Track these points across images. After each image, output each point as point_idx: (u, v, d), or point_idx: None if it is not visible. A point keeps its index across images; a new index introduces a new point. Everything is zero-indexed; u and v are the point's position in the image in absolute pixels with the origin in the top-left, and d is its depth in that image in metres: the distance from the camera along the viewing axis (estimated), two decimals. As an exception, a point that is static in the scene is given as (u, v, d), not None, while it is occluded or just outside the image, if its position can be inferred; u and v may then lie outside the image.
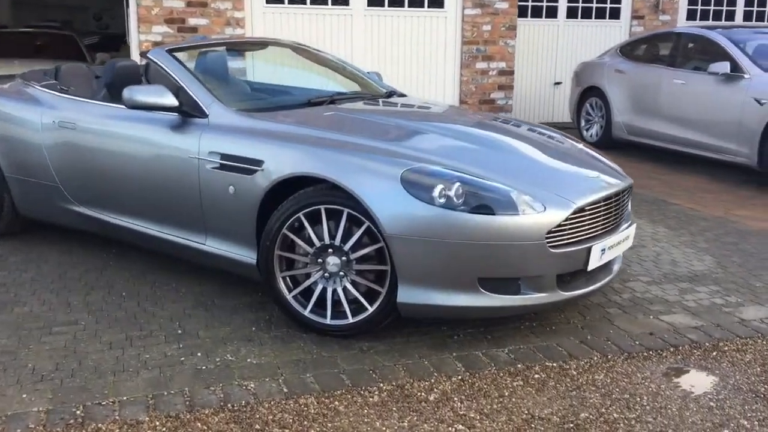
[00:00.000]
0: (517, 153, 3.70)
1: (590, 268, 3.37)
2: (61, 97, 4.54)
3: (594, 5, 11.86)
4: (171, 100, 3.84)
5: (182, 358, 3.16)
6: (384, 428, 2.61)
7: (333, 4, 9.00)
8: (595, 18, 11.93)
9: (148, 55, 4.22)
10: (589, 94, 9.18)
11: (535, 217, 3.15)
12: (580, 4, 11.68)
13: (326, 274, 3.36)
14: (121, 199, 4.17)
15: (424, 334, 3.42)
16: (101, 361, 3.12)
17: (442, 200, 3.10)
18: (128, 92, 3.85)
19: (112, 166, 4.15)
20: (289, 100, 4.45)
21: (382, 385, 2.93)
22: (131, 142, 4.07)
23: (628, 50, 8.96)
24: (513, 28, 9.68)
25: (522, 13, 10.42)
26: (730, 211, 5.83)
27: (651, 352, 3.25)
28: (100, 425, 2.60)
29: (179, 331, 3.45)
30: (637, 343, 3.35)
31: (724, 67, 7.22)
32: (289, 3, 8.86)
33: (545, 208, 3.18)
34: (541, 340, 3.37)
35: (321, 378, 3.00)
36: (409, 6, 9.30)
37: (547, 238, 3.17)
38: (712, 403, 2.81)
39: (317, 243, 3.33)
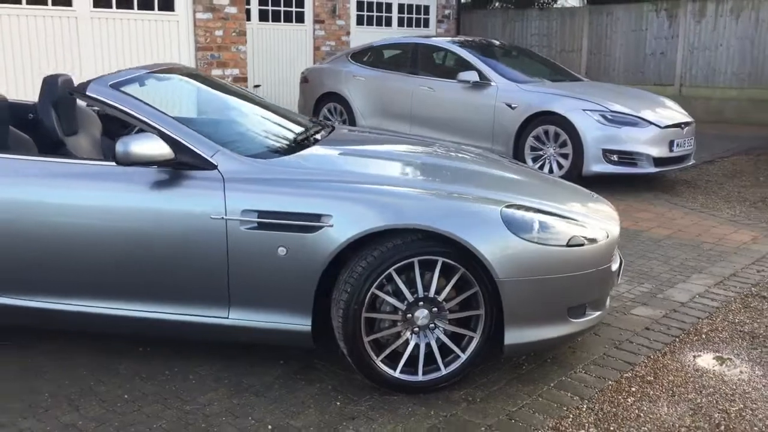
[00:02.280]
0: (544, 184, 3.88)
1: (619, 281, 3.74)
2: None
3: (282, 9, 12.14)
4: (168, 152, 3.17)
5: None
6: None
7: (53, 4, 7.78)
8: (284, 21, 12.21)
9: (89, 93, 3.36)
10: (327, 99, 9.45)
11: (604, 244, 3.40)
12: (270, 8, 11.86)
13: (415, 329, 3.18)
14: (83, 282, 3.28)
15: (498, 369, 3.43)
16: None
17: (542, 236, 3.17)
18: (122, 146, 3.07)
19: (59, 239, 3.23)
20: (278, 142, 3.89)
21: (545, 424, 2.93)
22: (90, 207, 3.23)
23: (361, 58, 9.43)
24: (243, 34, 9.46)
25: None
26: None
27: (668, 345, 3.74)
28: None
29: (269, 427, 2.94)
30: (651, 339, 3.82)
31: (473, 75, 8.13)
32: (1, 2, 7.43)
33: (608, 235, 3.45)
34: (577, 363, 3.63)
35: (484, 439, 2.88)
36: (139, 8, 8.48)
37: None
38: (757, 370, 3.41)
39: (410, 298, 3.13)
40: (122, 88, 3.45)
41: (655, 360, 3.60)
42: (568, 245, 3.22)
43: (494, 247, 3.07)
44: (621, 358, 3.61)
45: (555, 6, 17.06)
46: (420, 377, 3.19)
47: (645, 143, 7.31)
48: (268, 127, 4.08)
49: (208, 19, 8.99)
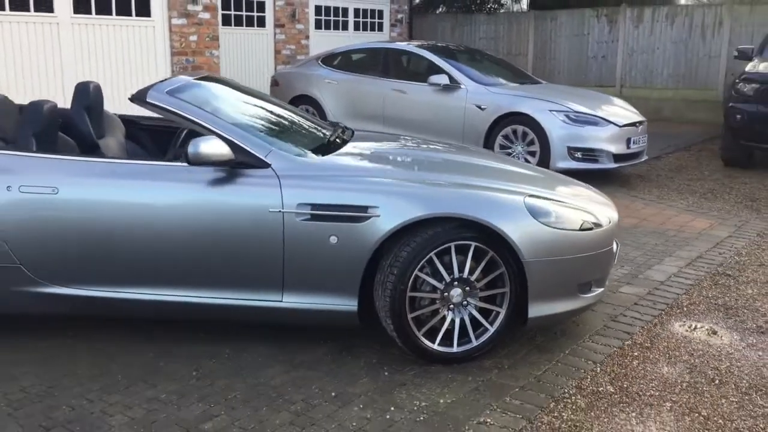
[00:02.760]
0: (549, 177, 4.35)
1: (615, 261, 4.25)
2: (11, 155, 3.61)
3: (244, 13, 12.42)
4: (228, 152, 3.53)
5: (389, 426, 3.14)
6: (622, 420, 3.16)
7: (36, 10, 7.92)
8: (246, 26, 12.49)
9: (149, 101, 3.68)
10: (298, 101, 9.79)
11: (608, 228, 3.90)
12: (233, 12, 12.12)
13: (451, 306, 3.61)
14: (146, 270, 3.59)
15: (516, 342, 3.88)
16: None
17: (558, 222, 3.64)
18: (193, 147, 3.40)
19: (126, 232, 3.55)
20: (315, 142, 4.23)
21: (569, 384, 3.40)
22: (154, 203, 3.55)
23: (331, 62, 9.81)
24: (216, 39, 9.73)
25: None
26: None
27: (656, 318, 4.27)
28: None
29: (337, 398, 3.33)
30: (641, 312, 4.34)
31: (444, 79, 8.62)
32: (-11, 9, 7.55)
33: (609, 220, 3.95)
34: (583, 334, 4.12)
35: (521, 396, 3.33)
36: (117, 14, 8.67)
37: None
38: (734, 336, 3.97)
39: (447, 278, 3.55)
40: (177, 95, 3.77)
41: (649, 330, 4.12)
42: (580, 229, 3.70)
43: (521, 232, 3.52)
44: (619, 329, 4.12)
45: (501, 11, 17.74)
46: (455, 349, 3.62)
47: (605, 141, 7.91)
48: (302, 128, 4.45)
49: (183, 24, 9.23)
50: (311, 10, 13.76)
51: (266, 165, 3.60)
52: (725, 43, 14.25)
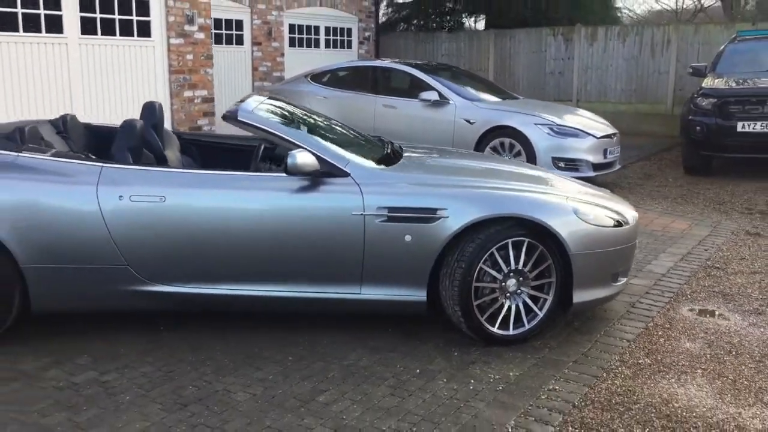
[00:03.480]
0: (571, 182, 4.94)
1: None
2: (121, 168, 4.02)
3: (224, 32, 12.83)
4: (316, 163, 4.02)
5: (470, 402, 3.67)
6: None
7: (47, 31, 8.22)
8: (225, 44, 12.89)
9: (240, 119, 4.15)
10: (289, 117, 10.23)
11: (634, 225, 4.52)
12: (213, 31, 12.50)
13: (507, 294, 4.17)
14: (240, 268, 4.04)
15: (556, 327, 4.46)
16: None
17: (597, 220, 4.25)
18: (292, 159, 3.89)
19: (227, 235, 4.00)
20: (379, 153, 4.73)
21: (612, 358, 3.99)
22: (251, 209, 4.02)
23: (321, 79, 10.32)
24: (210, 57, 10.11)
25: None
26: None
27: (668, 304, 4.91)
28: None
29: (421, 374, 3.84)
30: (653, 300, 4.98)
31: (434, 95, 9.23)
32: (1, 30, 7.82)
33: (634, 219, 4.58)
34: (611, 319, 4.72)
35: (576, 369, 3.90)
36: (120, 35, 9.01)
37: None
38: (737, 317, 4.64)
39: (505, 270, 4.11)
40: (260, 113, 4.24)
41: (664, 314, 4.75)
42: (613, 226, 4.31)
43: (567, 229, 4.11)
44: (640, 314, 4.74)
45: (462, 30, 18.51)
46: (511, 332, 4.17)
47: (585, 151, 8.63)
48: (361, 141, 4.95)
49: (180, 44, 9.60)
50: (285, 29, 14.23)
51: (346, 174, 4.10)
52: (673, 60, 15.28)
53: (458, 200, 4.06)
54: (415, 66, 9.91)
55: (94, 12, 8.68)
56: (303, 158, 3.93)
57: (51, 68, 8.25)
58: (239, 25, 13.20)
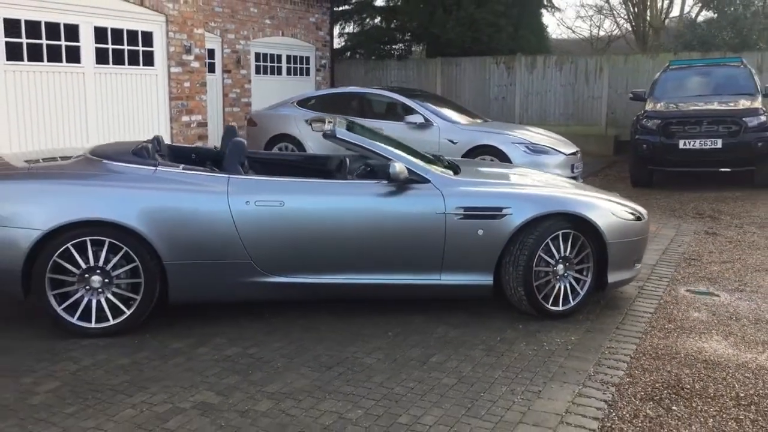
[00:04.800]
0: (599, 190, 5.95)
1: (640, 247, 5.93)
2: (245, 178, 4.77)
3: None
4: (407, 172, 4.89)
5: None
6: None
7: (67, 62, 8.77)
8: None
9: (337, 137, 4.97)
10: (279, 139, 11.02)
11: (646, 219, 5.56)
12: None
13: (557, 276, 5.11)
14: (344, 260, 4.84)
15: (586, 306, 5.43)
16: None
17: (625, 215, 5.27)
18: (393, 169, 4.75)
19: (334, 232, 4.80)
20: (443, 164, 5.63)
21: (642, 325, 4.98)
22: (353, 209, 4.84)
23: (306, 104, 11.15)
24: (204, 85, 10.78)
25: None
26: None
27: (668, 286, 5.98)
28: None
29: (502, 341, 4.73)
30: (655, 284, 6.03)
31: (419, 118, 10.20)
32: (28, 60, 8.33)
33: (645, 214, 5.62)
34: (630, 298, 5.74)
35: (620, 332, 4.87)
36: (129, 64, 9.60)
37: (647, 231, 5.65)
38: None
39: (557, 257, 5.07)
40: (353, 132, 5.08)
41: (668, 293, 5.81)
42: (635, 220, 5.34)
43: (604, 222, 5.09)
44: (649, 294, 5.78)
45: (411, 57, 19.65)
46: (560, 308, 5.11)
47: (557, 167, 9.74)
48: (425, 155, 5.83)
49: (179, 72, 10.25)
50: (252, 57, 14.95)
51: (427, 181, 4.97)
52: (605, 86, 16.82)
53: (519, 200, 5.00)
54: (398, 91, 10.87)
55: (107, 43, 9.26)
56: (400, 168, 4.79)
57: (70, 96, 8.79)
58: (211, 53, 13.83)
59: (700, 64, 13.13)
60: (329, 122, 5.26)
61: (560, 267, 5.07)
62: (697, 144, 10.84)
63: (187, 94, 10.36)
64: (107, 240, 4.49)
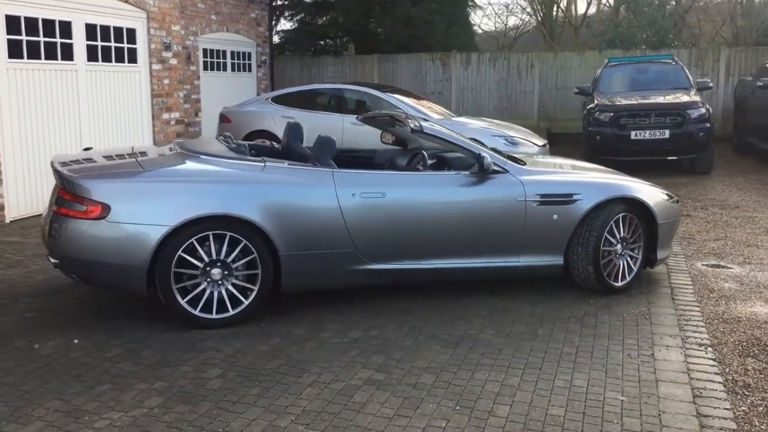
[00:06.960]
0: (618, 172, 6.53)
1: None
2: (349, 172, 5.02)
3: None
4: (492, 164, 5.30)
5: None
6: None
7: (62, 59, 8.61)
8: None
9: (425, 132, 5.31)
10: (255, 135, 11.12)
11: (679, 203, 6.21)
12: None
13: (617, 256, 5.66)
14: (437, 246, 5.19)
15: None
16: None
17: (664, 198, 5.88)
18: (487, 162, 5.16)
19: (430, 221, 5.14)
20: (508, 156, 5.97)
21: (690, 294, 5.60)
22: (444, 200, 5.20)
23: (282, 100, 11.29)
24: (182, 82, 10.72)
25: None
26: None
27: (687, 261, 6.65)
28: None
29: (570, 318, 5.22)
30: (677, 261, 6.70)
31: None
32: (28, 58, 8.14)
33: (678, 197, 6.27)
34: (664, 273, 6.35)
35: (676, 301, 5.47)
36: (116, 62, 9.48)
37: (678, 213, 6.30)
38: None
39: (618, 237, 5.61)
40: (430, 125, 5.43)
41: (691, 267, 6.49)
42: (674, 202, 5.97)
43: (656, 204, 5.68)
44: (678, 270, 6.41)
45: (346, 53, 19.92)
46: (619, 283, 5.65)
47: (532, 158, 10.37)
48: (492, 148, 6.22)
49: (159, 69, 10.17)
50: (200, 53, 14.84)
51: (506, 171, 5.39)
52: (537, 81, 17.73)
53: (586, 187, 5.49)
54: (374, 87, 11.19)
55: (96, 40, 9.10)
56: (490, 160, 5.19)
57: (63, 94, 8.61)
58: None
59: (636, 61, 14.16)
60: (411, 120, 5.57)
61: (619, 247, 5.60)
62: (647, 135, 11.75)
63: (166, 91, 10.30)
64: (228, 234, 4.64)
